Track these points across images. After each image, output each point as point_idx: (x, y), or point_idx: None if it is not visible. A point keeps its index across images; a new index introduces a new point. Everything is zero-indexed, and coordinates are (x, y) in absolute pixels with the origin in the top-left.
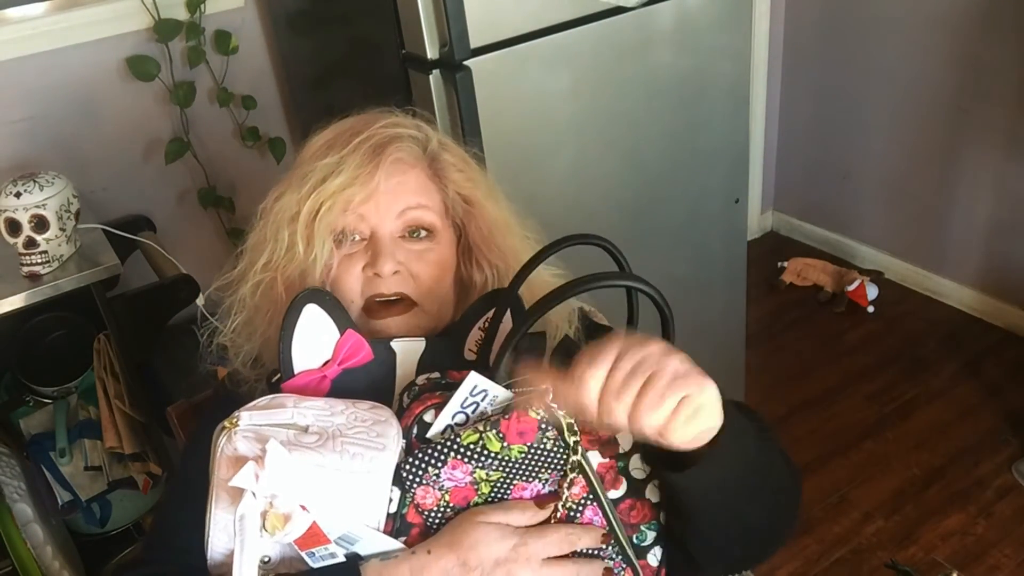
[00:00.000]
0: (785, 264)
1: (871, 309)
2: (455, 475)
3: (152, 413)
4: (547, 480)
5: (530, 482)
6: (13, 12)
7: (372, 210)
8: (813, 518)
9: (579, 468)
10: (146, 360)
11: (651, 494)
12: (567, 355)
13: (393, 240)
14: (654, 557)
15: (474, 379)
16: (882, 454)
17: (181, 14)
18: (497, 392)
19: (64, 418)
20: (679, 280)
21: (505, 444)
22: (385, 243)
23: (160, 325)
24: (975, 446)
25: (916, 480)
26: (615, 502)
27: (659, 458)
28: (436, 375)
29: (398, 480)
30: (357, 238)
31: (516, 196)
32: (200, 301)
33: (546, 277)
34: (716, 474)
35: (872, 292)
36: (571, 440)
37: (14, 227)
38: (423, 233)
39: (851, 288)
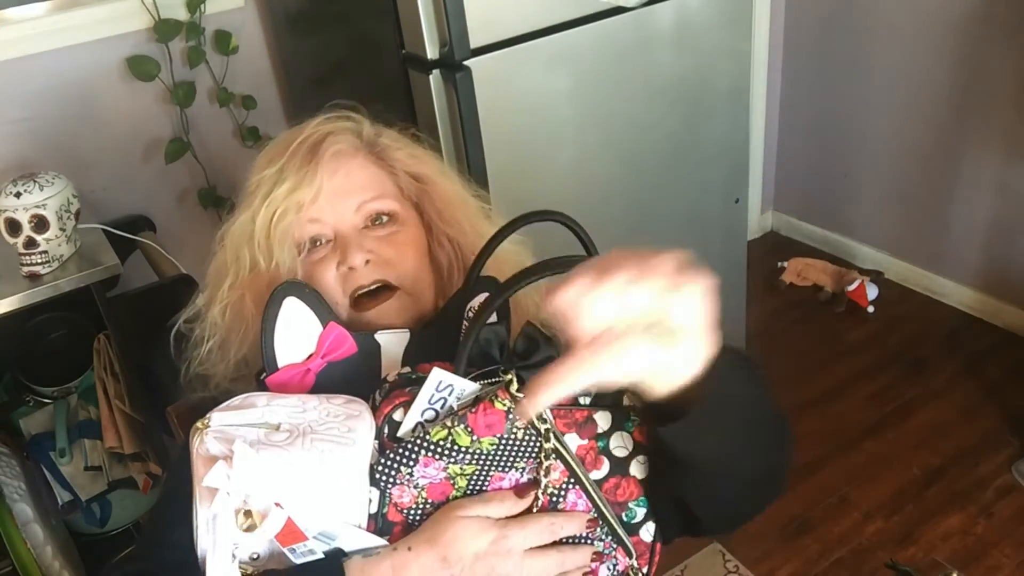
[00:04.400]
0: (785, 264)
1: (871, 309)
2: (428, 472)
3: (152, 413)
4: (524, 468)
5: (507, 472)
6: (13, 12)
7: (327, 211)
8: (813, 518)
9: (555, 454)
10: (146, 360)
11: (636, 471)
12: (529, 341)
13: (357, 232)
14: (647, 532)
15: (438, 375)
16: (882, 454)
17: (181, 14)
18: (464, 386)
19: (64, 418)
20: None
21: (475, 438)
22: (351, 237)
23: (160, 325)
24: (975, 446)
25: (916, 480)
26: (598, 482)
27: (648, 413)
28: (407, 370)
29: (374, 481)
30: (322, 241)
31: (516, 195)
32: (200, 301)
33: (507, 247)
34: (708, 422)
35: (872, 292)
36: (542, 428)
37: (14, 227)
38: (385, 219)
39: (851, 288)
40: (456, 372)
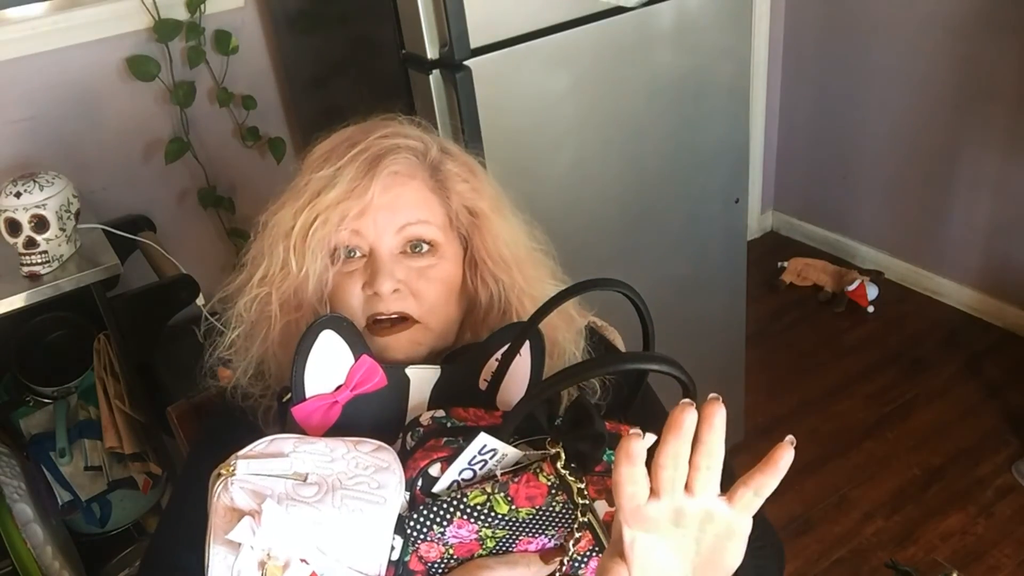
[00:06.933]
0: (785, 264)
1: (871, 309)
2: (460, 533)
3: (152, 413)
4: (553, 535)
5: (536, 537)
6: (13, 12)
7: (369, 226)
8: (813, 518)
9: (587, 526)
10: (146, 360)
11: None
12: (580, 413)
13: (392, 257)
14: None
15: (483, 439)
16: (882, 454)
17: (181, 14)
18: (506, 451)
19: (64, 418)
20: (679, 280)
21: (513, 507)
22: (384, 261)
23: (160, 325)
24: (975, 446)
25: (916, 480)
26: None
27: None
28: (441, 414)
29: (401, 530)
30: (357, 254)
31: (516, 196)
32: (200, 301)
33: (547, 282)
34: None
35: (872, 292)
36: (580, 503)
37: (14, 227)
38: (425, 248)
39: (851, 288)
40: (501, 438)
